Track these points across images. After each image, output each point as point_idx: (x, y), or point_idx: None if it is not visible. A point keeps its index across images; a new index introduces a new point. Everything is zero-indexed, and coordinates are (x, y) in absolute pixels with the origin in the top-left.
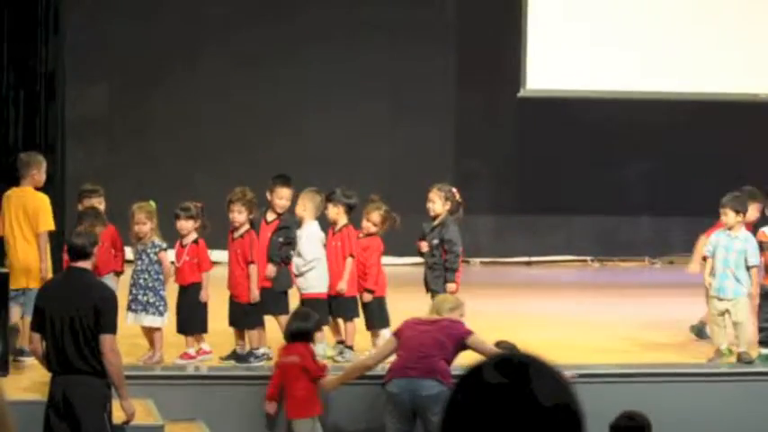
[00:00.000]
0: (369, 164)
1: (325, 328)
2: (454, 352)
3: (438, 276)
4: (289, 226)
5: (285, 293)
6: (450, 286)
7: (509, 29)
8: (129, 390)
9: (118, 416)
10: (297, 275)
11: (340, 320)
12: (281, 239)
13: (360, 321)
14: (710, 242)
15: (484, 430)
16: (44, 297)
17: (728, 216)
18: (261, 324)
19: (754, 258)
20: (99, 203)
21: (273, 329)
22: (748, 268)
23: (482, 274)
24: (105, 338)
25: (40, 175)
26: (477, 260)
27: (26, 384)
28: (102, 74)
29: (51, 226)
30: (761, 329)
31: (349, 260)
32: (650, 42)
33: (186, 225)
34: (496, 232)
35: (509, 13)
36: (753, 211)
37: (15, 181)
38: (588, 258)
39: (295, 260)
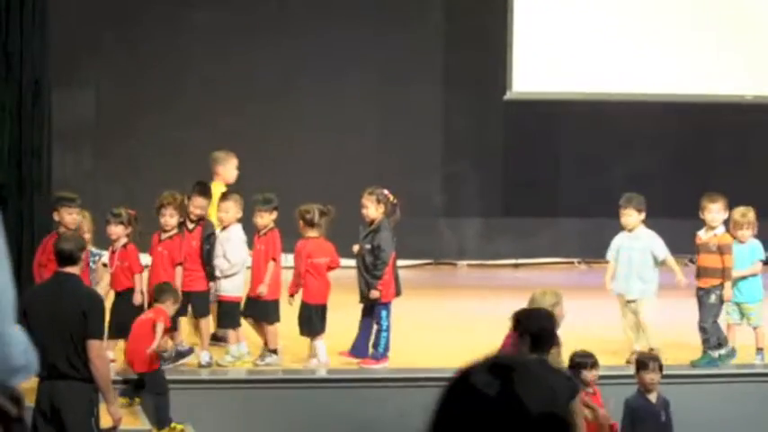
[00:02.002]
0: (355, 167)
1: (247, 331)
2: None
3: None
4: (213, 232)
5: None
6: (374, 293)
7: (495, 32)
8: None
9: (105, 421)
10: (219, 278)
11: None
12: (207, 246)
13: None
14: (612, 246)
15: None
16: (32, 302)
17: (632, 216)
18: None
19: (662, 251)
20: (69, 214)
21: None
22: (661, 264)
23: (469, 276)
24: (92, 344)
25: (225, 170)
26: (464, 263)
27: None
28: (89, 79)
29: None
30: (702, 331)
31: (271, 264)
32: (636, 45)
33: (116, 230)
34: (483, 235)
35: (495, 15)
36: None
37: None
38: (575, 260)
39: (220, 262)
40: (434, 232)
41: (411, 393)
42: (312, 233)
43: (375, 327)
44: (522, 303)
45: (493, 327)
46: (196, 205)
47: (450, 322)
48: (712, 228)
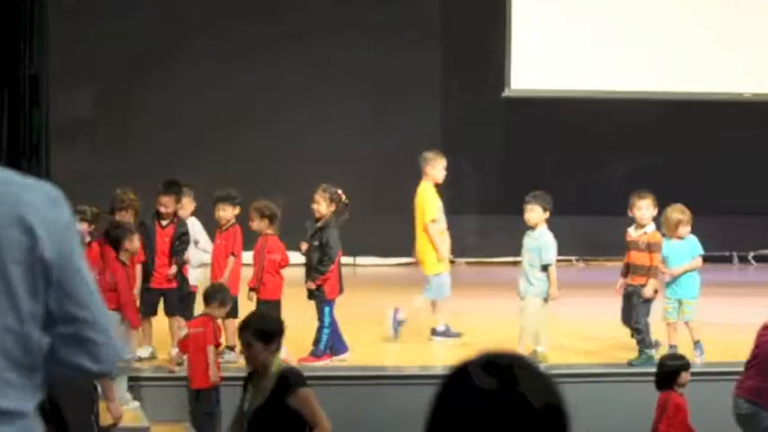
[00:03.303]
0: (353, 163)
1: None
2: None
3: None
4: (185, 230)
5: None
6: (310, 284)
7: (493, 28)
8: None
9: (105, 418)
10: (197, 266)
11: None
12: (177, 243)
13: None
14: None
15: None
16: None
17: (534, 212)
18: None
19: (547, 257)
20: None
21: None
22: (544, 267)
23: (468, 273)
24: None
25: (434, 171)
26: (463, 260)
27: None
28: (86, 76)
29: (431, 216)
30: (637, 331)
31: (231, 259)
32: (635, 42)
33: (80, 228)
34: (482, 232)
35: (493, 12)
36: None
37: None
38: (573, 258)
39: (199, 254)
40: None
41: (408, 391)
42: (270, 230)
43: (317, 324)
44: (518, 301)
45: (491, 324)
46: (160, 202)
47: (448, 320)
48: (642, 225)
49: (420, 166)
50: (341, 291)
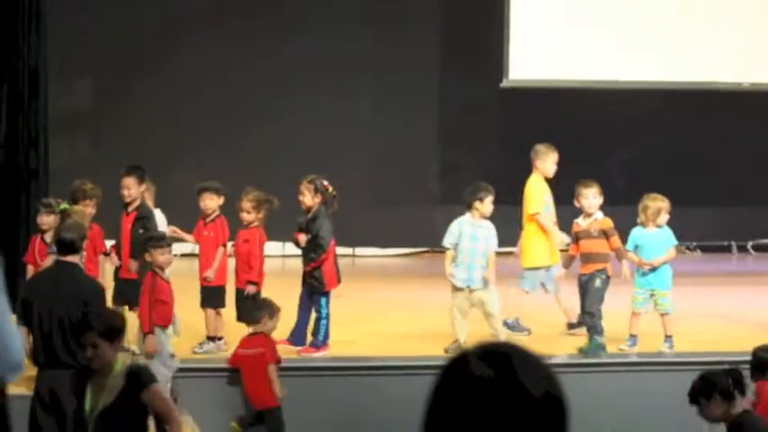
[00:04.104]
0: (351, 154)
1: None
2: None
3: None
4: (146, 216)
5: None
6: (302, 237)
7: (492, 18)
8: None
9: None
10: None
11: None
12: (140, 230)
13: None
14: (452, 232)
15: (468, 420)
16: (32, 291)
17: (485, 204)
18: None
19: (493, 246)
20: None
21: None
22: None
23: None
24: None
25: (544, 164)
26: None
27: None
28: (85, 68)
29: (535, 209)
30: (589, 315)
31: (220, 250)
32: (634, 32)
33: (48, 220)
34: None
35: (491, 2)
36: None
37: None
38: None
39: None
40: (431, 220)
41: (408, 381)
42: (258, 221)
43: (314, 315)
44: (519, 291)
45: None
46: (122, 185)
47: (446, 310)
48: (589, 214)
49: (531, 159)
50: (339, 281)
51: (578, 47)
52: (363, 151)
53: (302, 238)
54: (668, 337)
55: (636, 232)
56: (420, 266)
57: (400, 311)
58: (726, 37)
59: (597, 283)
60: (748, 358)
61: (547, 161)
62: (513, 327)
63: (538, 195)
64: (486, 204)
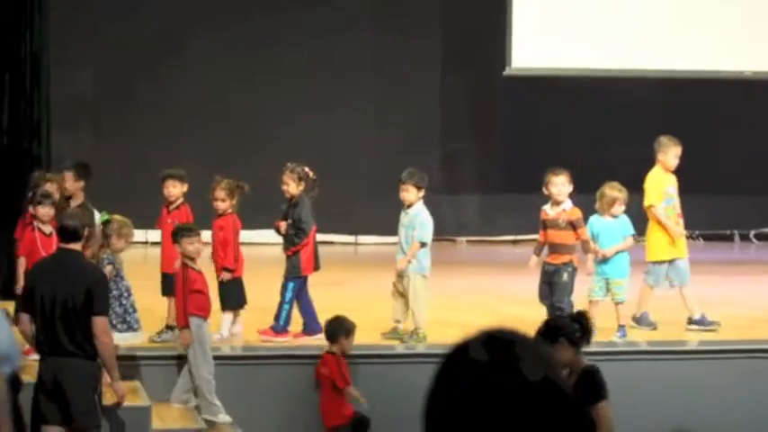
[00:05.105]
0: (354, 144)
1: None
2: None
3: None
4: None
5: None
6: (282, 225)
7: (494, 7)
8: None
9: (108, 397)
10: None
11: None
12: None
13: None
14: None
15: (470, 407)
16: (36, 278)
17: (409, 192)
18: None
19: (423, 235)
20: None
21: None
22: (421, 246)
23: (468, 252)
24: (98, 320)
25: (666, 157)
26: (464, 239)
27: None
28: (87, 56)
29: (650, 202)
30: (559, 310)
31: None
32: (636, 20)
33: (47, 212)
34: (483, 211)
35: None
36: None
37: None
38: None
39: None
40: (433, 208)
41: (409, 369)
42: (232, 208)
43: (279, 300)
44: (521, 279)
45: (492, 303)
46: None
47: (449, 299)
48: (558, 202)
49: (654, 151)
50: (317, 267)
51: (580, 36)
52: (366, 139)
53: (282, 225)
54: (621, 327)
55: (592, 220)
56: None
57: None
58: (728, 25)
59: (565, 277)
60: (756, 347)
61: (669, 153)
62: (639, 321)
63: (657, 188)
64: (410, 191)
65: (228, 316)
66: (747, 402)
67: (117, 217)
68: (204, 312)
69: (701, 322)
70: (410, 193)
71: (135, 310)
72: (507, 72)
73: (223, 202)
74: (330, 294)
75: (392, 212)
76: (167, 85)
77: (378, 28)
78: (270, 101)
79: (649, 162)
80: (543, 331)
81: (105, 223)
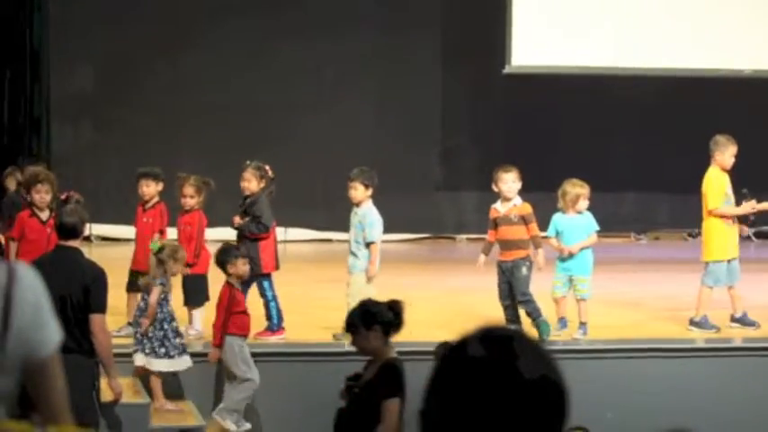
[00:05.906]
0: (355, 140)
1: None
2: None
3: None
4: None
5: None
6: (237, 219)
7: (494, 5)
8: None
9: (106, 395)
10: None
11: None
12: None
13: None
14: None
15: (468, 404)
16: None
17: (357, 190)
18: None
19: (370, 234)
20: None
21: None
22: (367, 245)
23: (468, 250)
24: (95, 318)
25: (723, 156)
26: (464, 236)
27: None
28: (88, 52)
29: (714, 205)
30: (526, 303)
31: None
32: (636, 18)
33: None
34: (482, 209)
35: None
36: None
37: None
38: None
39: None
40: (433, 206)
41: (409, 367)
42: (199, 205)
43: (262, 300)
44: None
45: (491, 300)
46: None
47: (448, 296)
48: (508, 199)
49: (711, 150)
50: (277, 266)
51: (582, 32)
52: (366, 137)
53: (237, 219)
54: (582, 324)
55: (556, 218)
56: (422, 252)
57: (401, 297)
58: (728, 24)
59: (524, 270)
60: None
61: (726, 153)
62: (698, 324)
63: (717, 190)
64: (357, 189)
65: (197, 312)
66: (747, 402)
67: (168, 242)
68: (246, 331)
69: (743, 321)
70: (358, 191)
71: (176, 336)
72: (507, 70)
73: (191, 199)
74: (332, 291)
75: (391, 210)
76: (168, 81)
77: (378, 25)
78: (270, 97)
79: (649, 159)
80: (358, 315)
81: (159, 251)
